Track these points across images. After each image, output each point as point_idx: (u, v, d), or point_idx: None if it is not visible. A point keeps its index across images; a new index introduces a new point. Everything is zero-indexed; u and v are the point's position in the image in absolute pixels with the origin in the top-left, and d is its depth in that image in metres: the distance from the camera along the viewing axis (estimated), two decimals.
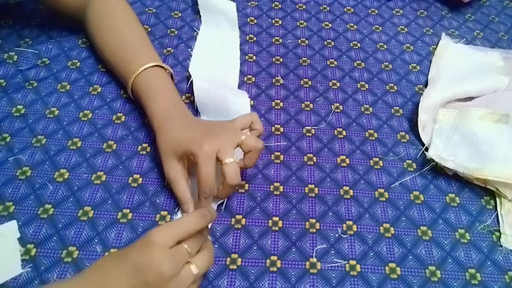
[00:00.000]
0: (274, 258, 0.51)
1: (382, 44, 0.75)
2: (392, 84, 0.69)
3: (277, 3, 0.81)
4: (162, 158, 0.54)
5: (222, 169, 0.50)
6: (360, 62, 0.72)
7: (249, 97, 0.64)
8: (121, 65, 0.61)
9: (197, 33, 0.74)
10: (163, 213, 0.54)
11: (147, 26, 0.74)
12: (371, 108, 0.66)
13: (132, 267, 0.41)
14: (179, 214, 0.54)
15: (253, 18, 0.78)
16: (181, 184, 0.53)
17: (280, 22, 0.77)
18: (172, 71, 0.62)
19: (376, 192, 0.57)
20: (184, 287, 0.42)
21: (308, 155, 0.60)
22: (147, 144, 0.59)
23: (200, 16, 0.76)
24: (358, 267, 0.51)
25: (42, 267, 0.48)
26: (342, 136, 0.62)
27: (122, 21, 0.64)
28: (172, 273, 0.41)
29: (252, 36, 0.75)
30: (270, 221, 0.54)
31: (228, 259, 0.51)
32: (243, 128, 0.54)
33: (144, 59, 0.59)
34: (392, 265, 0.51)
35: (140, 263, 0.41)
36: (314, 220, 0.54)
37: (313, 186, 0.57)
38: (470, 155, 0.57)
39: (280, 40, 0.74)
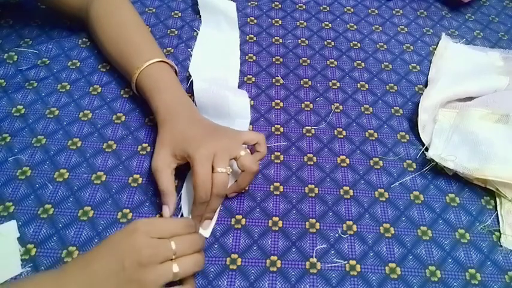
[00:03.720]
0: (274, 258, 0.51)
1: (382, 44, 0.75)
2: (392, 84, 0.69)
3: (277, 3, 0.81)
4: (156, 146, 0.54)
5: (212, 177, 0.50)
6: (360, 62, 0.72)
7: (249, 97, 0.64)
8: (125, 61, 0.61)
9: (197, 33, 0.74)
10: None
11: (147, 26, 0.74)
12: (371, 108, 0.66)
13: (113, 251, 0.41)
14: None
15: (253, 18, 0.78)
16: (166, 176, 0.52)
17: (280, 22, 0.77)
18: (176, 68, 0.62)
19: (376, 192, 0.57)
20: (160, 282, 0.41)
21: (308, 155, 0.60)
22: (147, 144, 0.59)
23: (200, 16, 0.76)
24: (358, 267, 0.51)
25: (42, 267, 0.48)
26: (342, 136, 0.62)
27: (126, 18, 0.64)
28: (149, 260, 0.41)
29: (252, 36, 0.75)
30: (270, 221, 0.54)
31: (228, 259, 0.51)
32: (247, 143, 0.54)
33: (149, 55, 0.59)
34: (392, 265, 0.51)
35: (121, 247, 0.42)
36: (314, 220, 0.54)
37: (313, 186, 0.57)
38: (470, 155, 0.57)
39: (280, 40, 0.74)
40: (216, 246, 0.51)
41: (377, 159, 0.60)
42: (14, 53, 0.67)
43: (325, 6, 0.81)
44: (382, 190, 0.57)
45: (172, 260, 0.43)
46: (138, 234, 0.42)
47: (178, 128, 0.54)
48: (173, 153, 0.52)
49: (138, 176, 0.56)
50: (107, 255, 0.42)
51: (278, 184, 0.57)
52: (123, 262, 0.40)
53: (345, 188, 0.57)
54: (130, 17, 0.65)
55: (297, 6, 0.80)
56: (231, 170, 0.51)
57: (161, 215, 0.53)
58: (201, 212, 0.51)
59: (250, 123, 0.62)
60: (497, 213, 0.56)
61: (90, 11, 0.65)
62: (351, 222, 0.54)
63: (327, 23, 0.78)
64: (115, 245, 0.42)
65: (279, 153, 0.60)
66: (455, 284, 0.50)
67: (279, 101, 0.66)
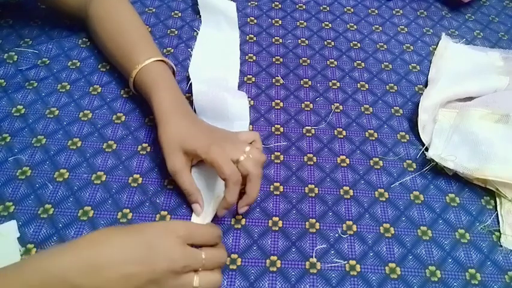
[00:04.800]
0: (274, 258, 0.51)
1: (382, 44, 0.75)
2: (392, 84, 0.69)
3: (277, 3, 0.81)
4: (165, 150, 0.53)
5: (241, 166, 0.51)
6: (360, 62, 0.72)
7: (249, 97, 0.64)
8: (124, 59, 0.61)
9: (197, 33, 0.74)
10: (163, 213, 0.54)
11: (147, 26, 0.74)
12: (371, 108, 0.66)
13: (146, 245, 0.40)
14: (194, 218, 0.53)
15: (253, 18, 0.78)
16: (187, 175, 0.53)
17: (280, 22, 0.77)
18: (174, 67, 0.63)
19: (376, 192, 0.57)
20: None
21: (308, 155, 0.60)
22: (147, 144, 0.59)
23: (200, 16, 0.76)
24: (358, 267, 0.51)
25: None
26: (342, 136, 0.62)
27: (125, 17, 0.65)
28: (179, 271, 0.40)
29: (252, 36, 0.75)
30: (270, 221, 0.54)
31: (228, 259, 0.51)
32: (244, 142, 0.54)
33: (147, 54, 0.60)
34: (392, 265, 0.51)
35: (156, 246, 0.40)
36: (314, 220, 0.54)
37: (313, 186, 0.57)
38: (470, 155, 0.57)
39: (280, 40, 0.74)
40: None
41: (377, 159, 0.60)
42: (14, 53, 0.67)
43: (325, 6, 0.81)
44: (382, 190, 0.57)
45: (196, 272, 0.42)
46: (176, 239, 0.41)
47: (179, 126, 0.54)
48: (184, 151, 0.53)
49: (138, 176, 0.56)
50: (140, 250, 0.40)
51: (278, 184, 0.57)
52: (155, 266, 0.39)
53: (345, 188, 0.57)
54: (130, 16, 0.65)
55: (297, 6, 0.80)
56: (250, 155, 0.51)
57: (162, 216, 0.53)
58: (236, 194, 0.51)
59: (250, 124, 0.62)
60: (497, 213, 0.56)
61: (89, 11, 0.65)
62: (350, 222, 0.54)
63: (327, 23, 0.78)
64: (149, 241, 0.40)
65: (279, 153, 0.60)
66: (455, 284, 0.50)
67: (279, 101, 0.66)
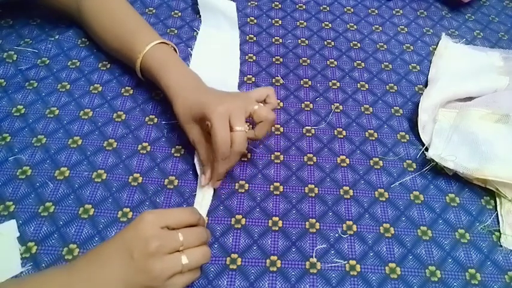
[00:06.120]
0: (274, 258, 0.51)
1: (382, 44, 0.75)
2: (392, 84, 0.69)
3: (277, 3, 0.81)
4: (181, 124, 0.55)
5: (230, 136, 0.51)
6: (360, 62, 0.72)
7: None
8: (126, 47, 0.62)
9: (197, 33, 0.74)
10: None
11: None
12: (371, 108, 0.66)
13: (122, 243, 0.42)
14: (196, 203, 0.54)
15: (253, 18, 0.78)
16: (202, 148, 0.55)
17: (280, 22, 0.77)
18: (176, 47, 0.64)
19: (376, 192, 0.57)
20: (169, 272, 0.42)
21: (308, 155, 0.60)
22: (147, 143, 0.59)
23: (200, 16, 0.76)
24: (358, 267, 0.51)
25: (43, 265, 0.49)
26: (342, 136, 0.62)
27: (119, 7, 0.65)
28: (157, 251, 0.41)
29: (252, 36, 0.75)
30: (270, 221, 0.54)
31: (228, 259, 0.51)
32: (258, 100, 0.55)
33: (148, 38, 0.60)
34: (392, 265, 0.51)
35: (129, 238, 0.42)
36: (314, 220, 0.54)
37: (313, 186, 0.57)
38: (470, 155, 0.57)
39: (280, 40, 0.74)
40: (216, 246, 0.51)
41: (377, 159, 0.60)
42: (13, 52, 0.67)
43: (325, 6, 0.81)
44: (382, 190, 0.57)
45: (180, 252, 0.43)
46: (145, 224, 0.42)
47: (190, 98, 0.54)
48: (197, 122, 0.54)
49: (138, 175, 0.56)
50: (115, 248, 0.42)
51: (278, 184, 0.57)
52: (132, 253, 0.41)
53: (345, 188, 0.57)
54: (123, 5, 0.66)
55: (297, 6, 0.80)
56: (248, 128, 0.52)
57: None
58: (223, 169, 0.53)
59: None
60: (497, 213, 0.56)
61: (82, 6, 0.66)
62: (350, 222, 0.54)
63: (327, 23, 0.78)
64: (124, 238, 0.42)
65: (279, 153, 0.60)
66: (455, 284, 0.50)
67: (279, 101, 0.66)
